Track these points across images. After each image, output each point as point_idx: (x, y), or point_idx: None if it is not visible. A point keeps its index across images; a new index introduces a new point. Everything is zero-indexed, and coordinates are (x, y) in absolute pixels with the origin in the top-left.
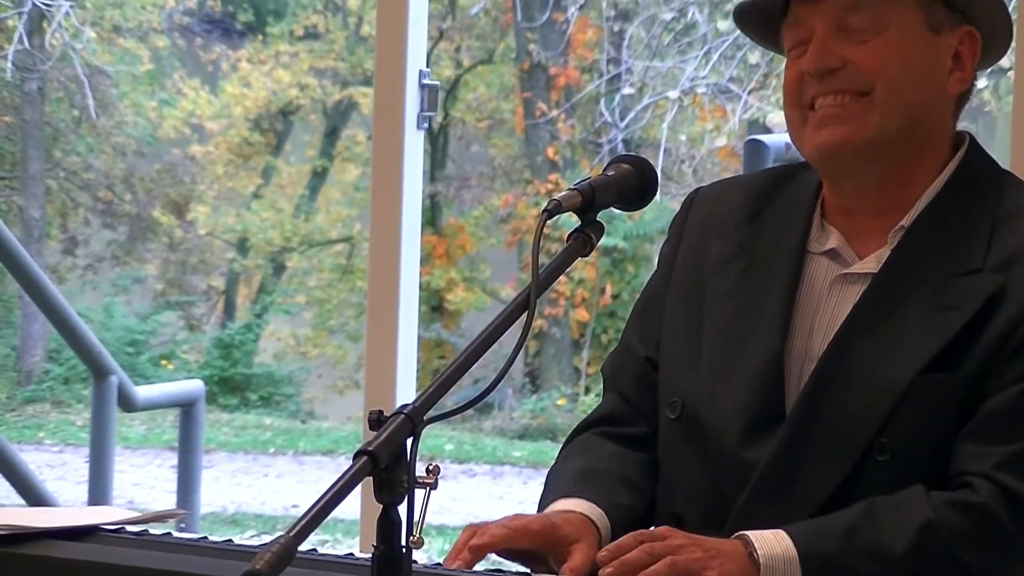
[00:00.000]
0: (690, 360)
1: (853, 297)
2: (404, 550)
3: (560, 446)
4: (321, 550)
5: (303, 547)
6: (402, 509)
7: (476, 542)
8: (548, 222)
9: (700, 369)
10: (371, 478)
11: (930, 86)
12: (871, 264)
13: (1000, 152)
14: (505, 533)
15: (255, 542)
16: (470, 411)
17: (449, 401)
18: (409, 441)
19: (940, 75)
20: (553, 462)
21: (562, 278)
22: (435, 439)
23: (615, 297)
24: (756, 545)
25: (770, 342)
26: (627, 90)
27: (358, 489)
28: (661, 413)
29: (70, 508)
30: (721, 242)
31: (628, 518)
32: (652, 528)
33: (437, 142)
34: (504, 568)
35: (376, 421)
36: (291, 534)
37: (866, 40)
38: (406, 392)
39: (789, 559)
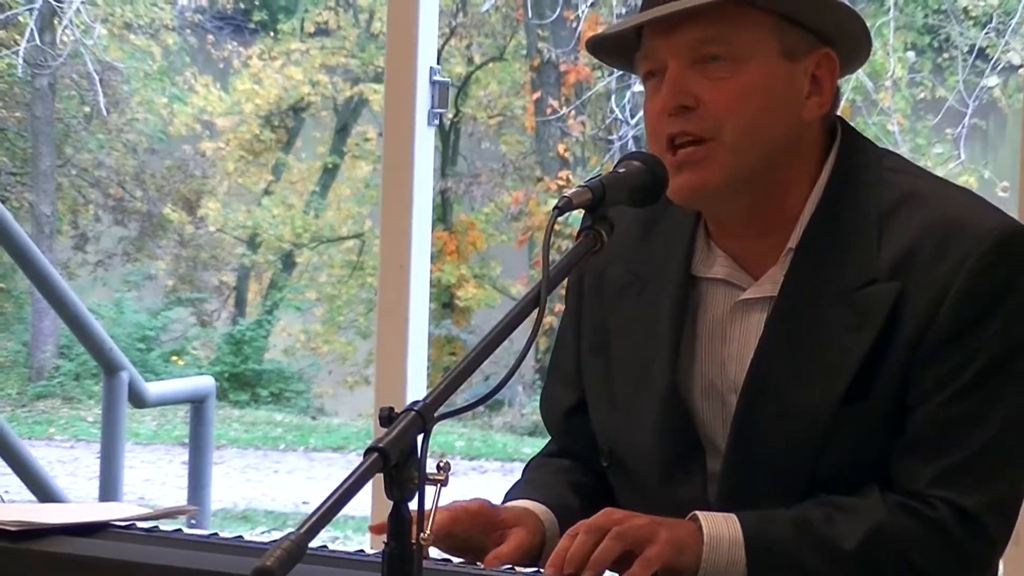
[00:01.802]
0: (607, 402)
1: (757, 323)
2: (415, 547)
3: None
4: (331, 547)
5: (313, 544)
6: (413, 506)
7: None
8: (559, 219)
9: (615, 410)
10: (382, 475)
11: (785, 118)
12: (767, 287)
13: (1011, 149)
14: (444, 516)
15: (265, 538)
16: (481, 408)
17: (460, 398)
18: (420, 438)
19: (796, 104)
20: None
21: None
22: (446, 436)
23: None
24: (703, 523)
25: (662, 377)
26: (638, 87)
27: (368, 486)
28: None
29: (81, 504)
30: (617, 267)
31: (577, 518)
32: (591, 518)
33: (448, 139)
34: (517, 569)
35: (387, 418)
36: (301, 531)
37: (721, 78)
38: (416, 389)
39: (735, 540)
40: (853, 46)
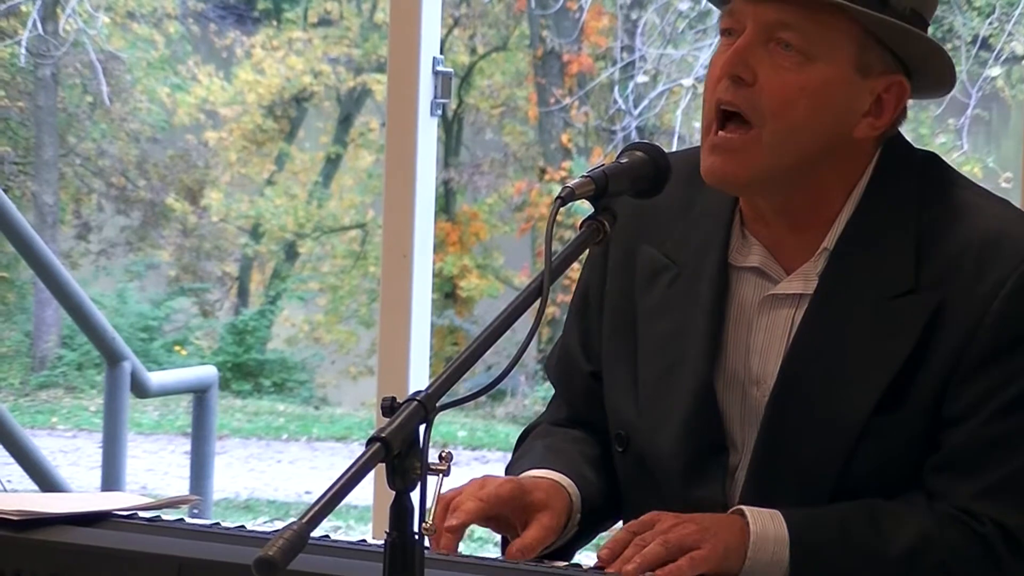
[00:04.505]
0: (629, 388)
1: (784, 318)
2: (417, 537)
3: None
4: (334, 536)
5: (315, 533)
6: (415, 496)
7: (453, 523)
8: (561, 209)
9: (638, 398)
10: (384, 465)
11: (832, 128)
12: (798, 284)
13: (1014, 140)
14: (478, 507)
15: (268, 528)
16: (483, 398)
17: (462, 388)
18: (422, 428)
19: (848, 119)
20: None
21: (575, 265)
22: (448, 426)
23: None
24: (750, 520)
25: (700, 370)
26: (641, 78)
27: (371, 476)
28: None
29: (83, 494)
30: (650, 248)
31: (595, 493)
32: (642, 517)
33: (451, 129)
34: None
35: (389, 408)
36: (304, 520)
37: (784, 67)
38: (419, 379)
39: (780, 539)
40: (932, 81)
